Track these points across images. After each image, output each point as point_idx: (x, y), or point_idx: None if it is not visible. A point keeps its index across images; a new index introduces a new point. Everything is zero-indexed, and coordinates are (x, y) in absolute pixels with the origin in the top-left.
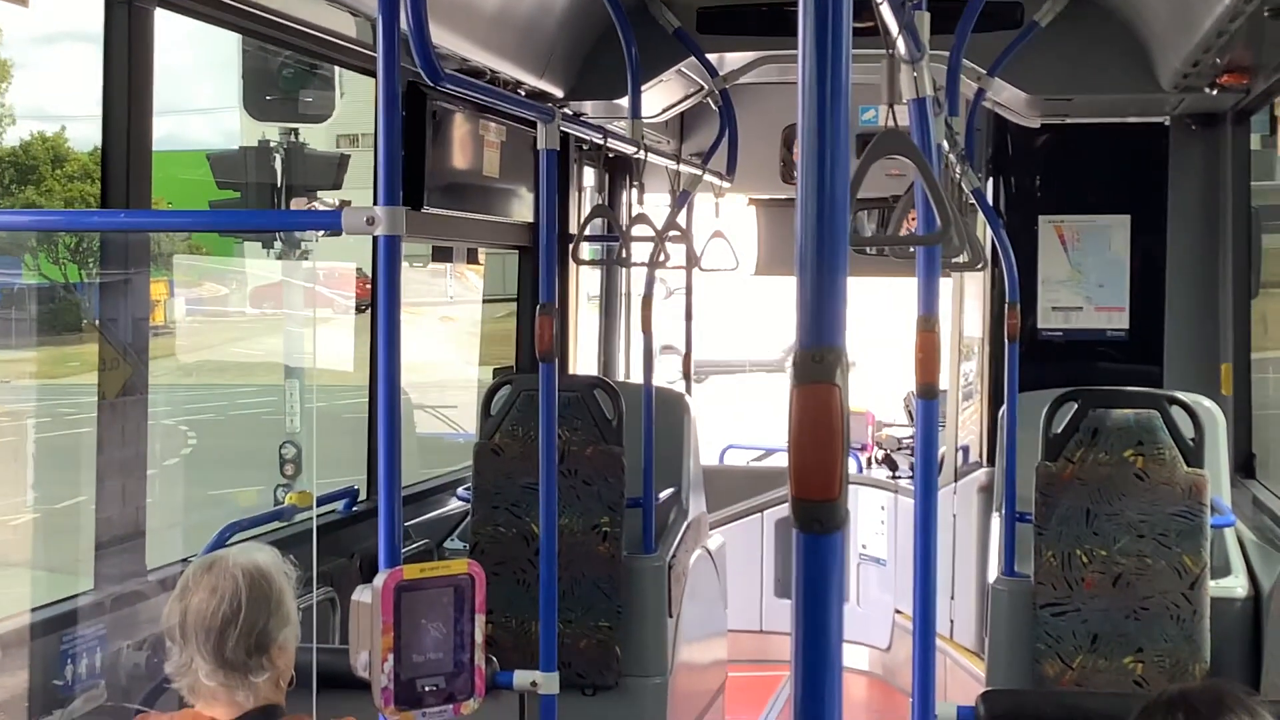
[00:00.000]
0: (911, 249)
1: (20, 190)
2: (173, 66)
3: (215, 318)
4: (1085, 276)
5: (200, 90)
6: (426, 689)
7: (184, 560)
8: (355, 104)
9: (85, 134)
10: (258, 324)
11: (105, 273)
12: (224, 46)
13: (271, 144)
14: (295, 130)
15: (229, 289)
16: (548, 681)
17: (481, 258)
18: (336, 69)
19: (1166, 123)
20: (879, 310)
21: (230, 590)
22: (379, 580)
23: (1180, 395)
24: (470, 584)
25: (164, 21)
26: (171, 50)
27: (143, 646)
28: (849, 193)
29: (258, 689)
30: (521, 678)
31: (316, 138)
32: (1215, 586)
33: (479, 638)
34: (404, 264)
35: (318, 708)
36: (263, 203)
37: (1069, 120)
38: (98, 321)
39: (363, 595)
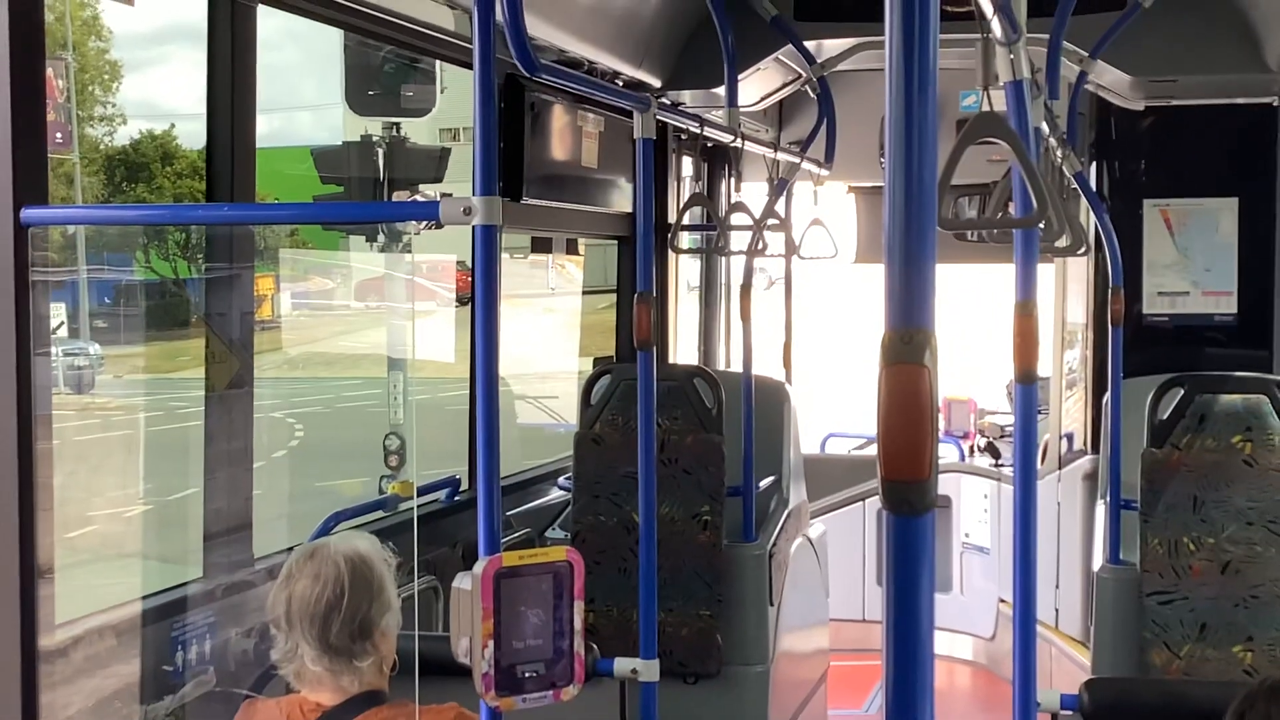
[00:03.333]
0: (1002, 232)
1: (131, 188)
2: (279, 64)
3: (321, 311)
4: (1192, 260)
5: (305, 87)
6: (527, 675)
7: (289, 549)
8: (456, 98)
9: (194, 131)
10: (362, 317)
11: (211, 267)
12: (328, 43)
13: (374, 139)
14: (397, 125)
15: (335, 283)
16: (648, 669)
17: (581, 249)
18: (437, 63)
19: (1275, 103)
20: (982, 298)
21: (333, 577)
22: (479, 567)
23: None
24: (569, 571)
25: (270, 19)
26: (279, 49)
27: (250, 633)
28: (938, 175)
29: (362, 674)
30: (622, 665)
31: (418, 133)
32: None
33: (578, 624)
34: (504, 255)
35: (421, 693)
36: (365, 197)
37: (1174, 102)
38: (204, 316)
39: (463, 582)
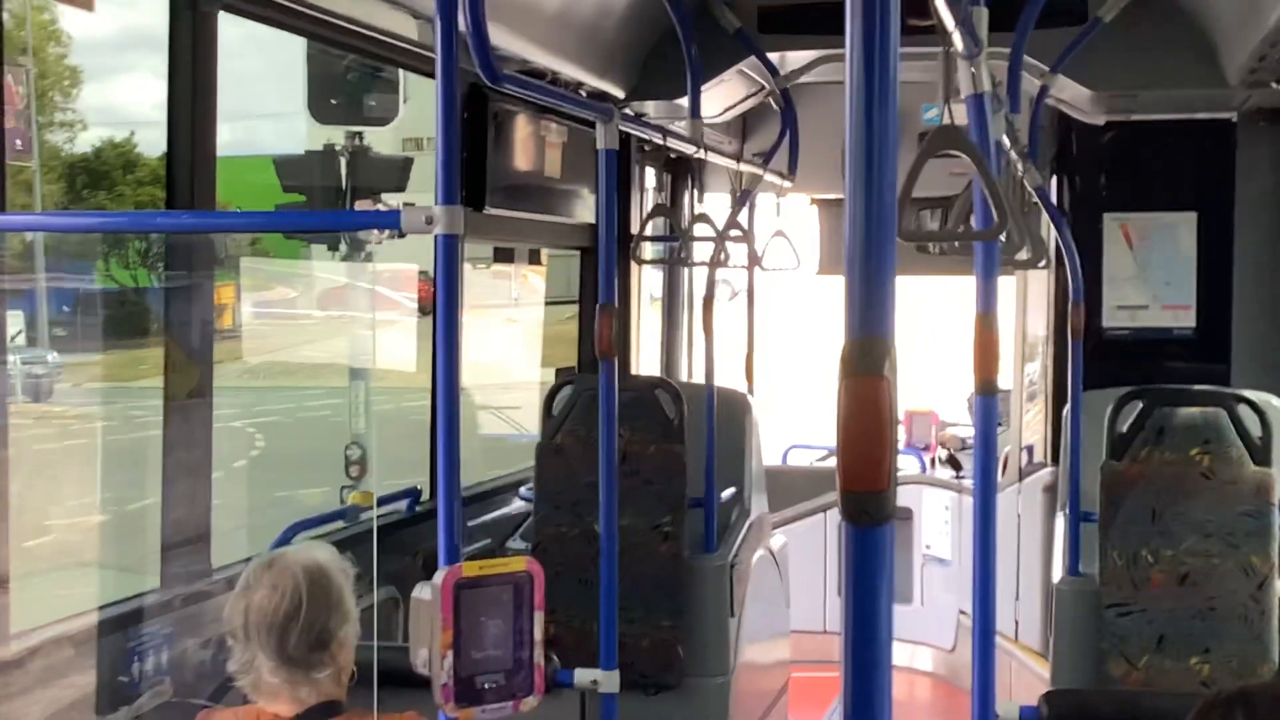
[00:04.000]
0: (963, 244)
1: (92, 195)
2: (243, 72)
3: (284, 320)
4: (1151, 274)
5: (269, 95)
6: (486, 686)
7: (248, 559)
8: (419, 108)
9: (156, 139)
10: (324, 326)
11: (171, 276)
12: (293, 52)
13: (336, 148)
14: (360, 134)
15: (297, 292)
16: (608, 680)
17: (544, 260)
18: (401, 72)
19: (1234, 119)
20: (947, 310)
21: (291, 588)
22: (438, 577)
23: (1248, 393)
24: (529, 581)
25: (234, 28)
26: (242, 56)
27: (208, 644)
28: (898, 188)
29: (320, 685)
30: (582, 676)
31: (382, 142)
32: None
33: (538, 635)
34: (466, 265)
35: (379, 704)
36: (328, 206)
37: (1134, 117)
38: (164, 325)
39: (422, 592)
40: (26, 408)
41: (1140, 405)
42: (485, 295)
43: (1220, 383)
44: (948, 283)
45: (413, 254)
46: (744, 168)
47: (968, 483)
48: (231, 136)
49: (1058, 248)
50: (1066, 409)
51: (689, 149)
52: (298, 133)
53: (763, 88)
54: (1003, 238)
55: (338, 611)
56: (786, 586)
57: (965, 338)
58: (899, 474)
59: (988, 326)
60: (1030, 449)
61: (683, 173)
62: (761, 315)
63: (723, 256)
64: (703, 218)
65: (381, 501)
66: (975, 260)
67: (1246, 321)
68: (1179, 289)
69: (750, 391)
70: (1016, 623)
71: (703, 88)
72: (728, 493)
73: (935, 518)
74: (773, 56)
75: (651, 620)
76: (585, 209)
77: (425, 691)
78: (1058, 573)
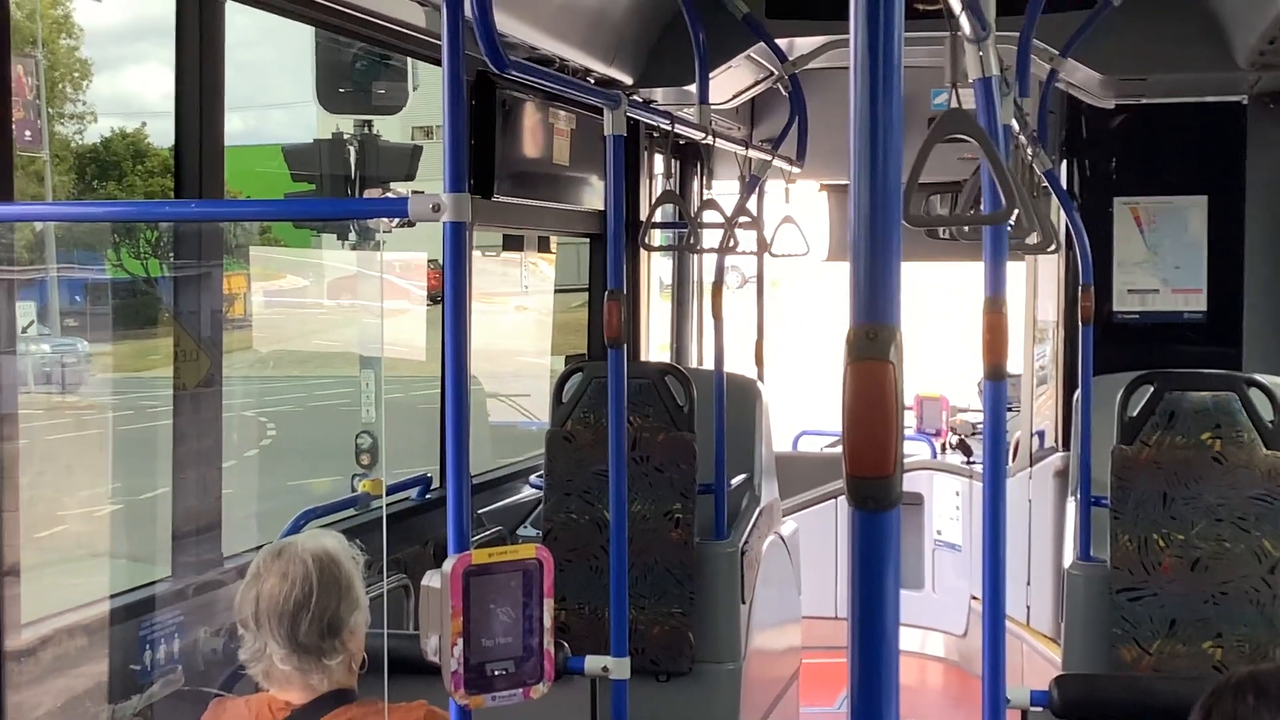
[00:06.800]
0: (972, 229)
1: (102, 186)
2: (252, 62)
3: (295, 309)
4: (1162, 258)
5: (279, 85)
6: (496, 673)
7: (259, 548)
8: (428, 96)
9: (166, 129)
10: (335, 315)
11: (180, 265)
12: (302, 41)
13: (345, 136)
14: (369, 122)
15: (308, 281)
16: (619, 667)
17: (553, 247)
18: (409, 60)
19: (1244, 101)
20: (956, 297)
21: (301, 575)
22: (448, 565)
23: (1259, 377)
24: (539, 568)
25: (242, 17)
26: (253, 46)
27: (219, 632)
28: (902, 172)
29: (331, 672)
30: (592, 663)
31: (391, 130)
32: None
33: (548, 622)
34: (475, 253)
35: (390, 692)
36: (337, 195)
37: (1144, 100)
38: (174, 314)
39: (432, 580)
40: (54, 398)
41: (1151, 389)
42: (495, 283)
43: (1231, 366)
44: (959, 268)
45: (423, 243)
46: (752, 154)
47: (978, 468)
48: (241, 126)
49: (1067, 232)
50: (1077, 393)
51: (697, 135)
52: (309, 122)
53: (771, 73)
54: (1011, 222)
55: (348, 599)
56: (797, 572)
57: (976, 323)
58: (908, 460)
59: (997, 311)
60: (1041, 434)
61: (691, 159)
62: (772, 301)
63: (732, 243)
64: (711, 204)
65: (392, 489)
66: (984, 245)
67: (1258, 305)
68: (1189, 273)
69: (760, 378)
70: (1028, 608)
71: (711, 74)
72: (738, 479)
73: (946, 503)
74: (781, 42)
75: (662, 607)
76: (594, 196)
77: (435, 679)
78: (1069, 557)
